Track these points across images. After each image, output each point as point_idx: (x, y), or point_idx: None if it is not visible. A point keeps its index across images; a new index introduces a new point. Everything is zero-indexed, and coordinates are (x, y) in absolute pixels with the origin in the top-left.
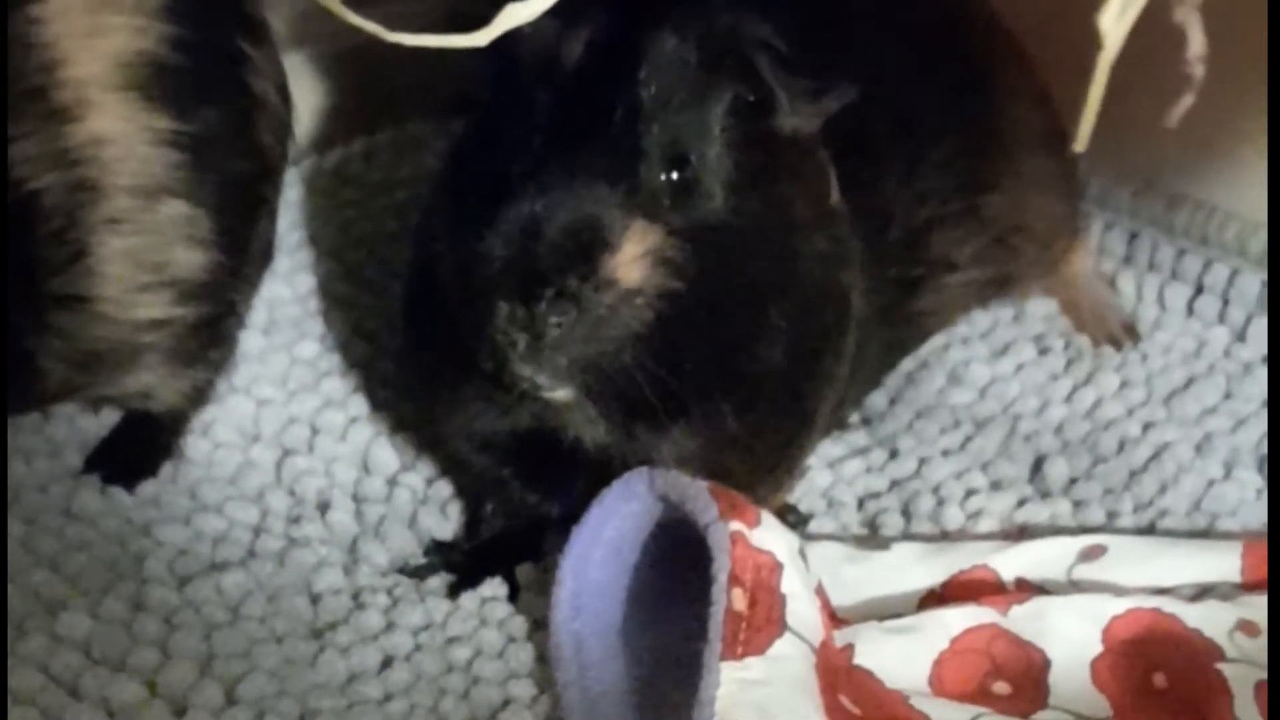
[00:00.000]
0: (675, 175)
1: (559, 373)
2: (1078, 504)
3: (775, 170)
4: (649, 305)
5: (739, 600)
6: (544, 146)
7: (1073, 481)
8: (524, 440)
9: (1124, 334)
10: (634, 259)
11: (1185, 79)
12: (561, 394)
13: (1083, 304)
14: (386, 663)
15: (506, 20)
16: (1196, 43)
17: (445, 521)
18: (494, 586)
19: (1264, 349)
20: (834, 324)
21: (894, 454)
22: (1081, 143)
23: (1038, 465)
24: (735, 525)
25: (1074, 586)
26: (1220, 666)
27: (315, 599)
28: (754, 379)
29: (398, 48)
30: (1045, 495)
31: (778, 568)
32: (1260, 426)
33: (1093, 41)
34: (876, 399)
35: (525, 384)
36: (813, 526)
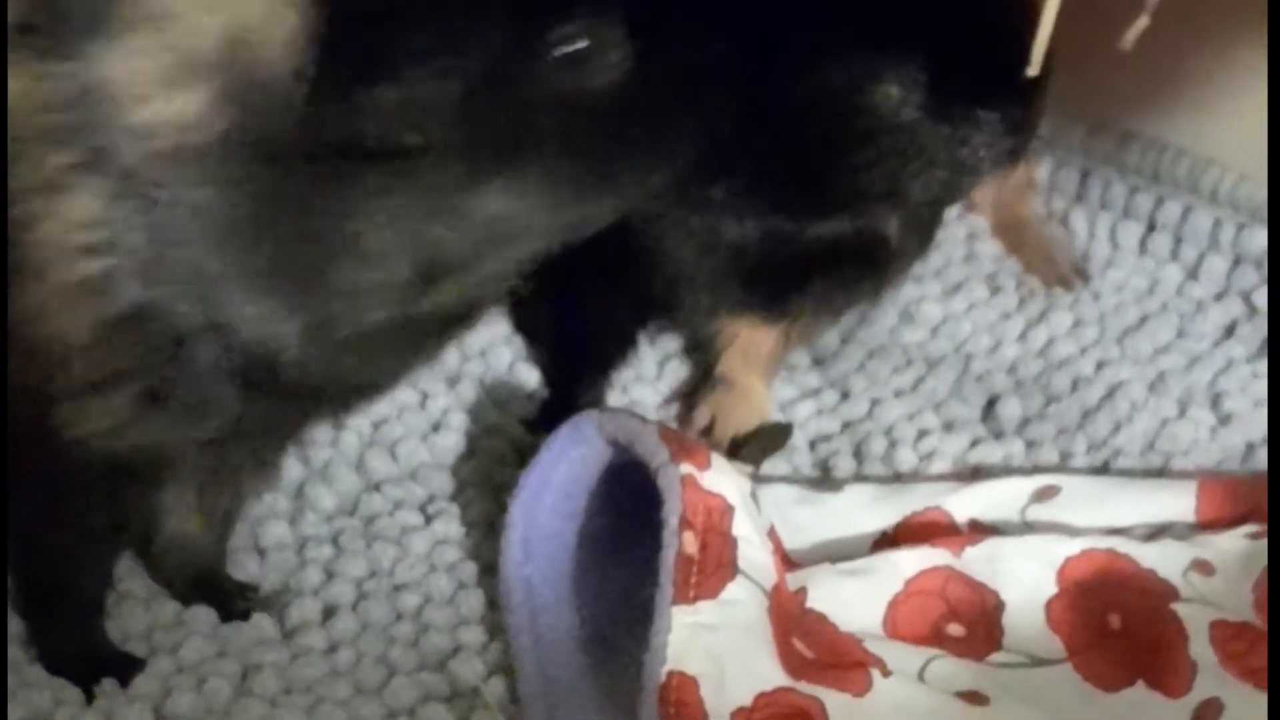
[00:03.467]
0: None
1: None
2: (1031, 444)
3: None
4: None
5: (690, 544)
6: None
7: (1026, 421)
8: None
9: (1074, 275)
10: None
11: (1138, 2)
12: None
13: (1030, 246)
14: (329, 612)
15: None
16: None
17: (394, 464)
18: (446, 524)
19: (1217, 287)
20: None
21: (845, 395)
22: (1035, 66)
23: (990, 405)
24: (686, 468)
25: (1028, 528)
26: (1175, 606)
27: (262, 554)
28: None
29: None
30: (998, 436)
31: (729, 510)
32: (1214, 365)
33: None
34: (829, 339)
35: None
36: (764, 469)
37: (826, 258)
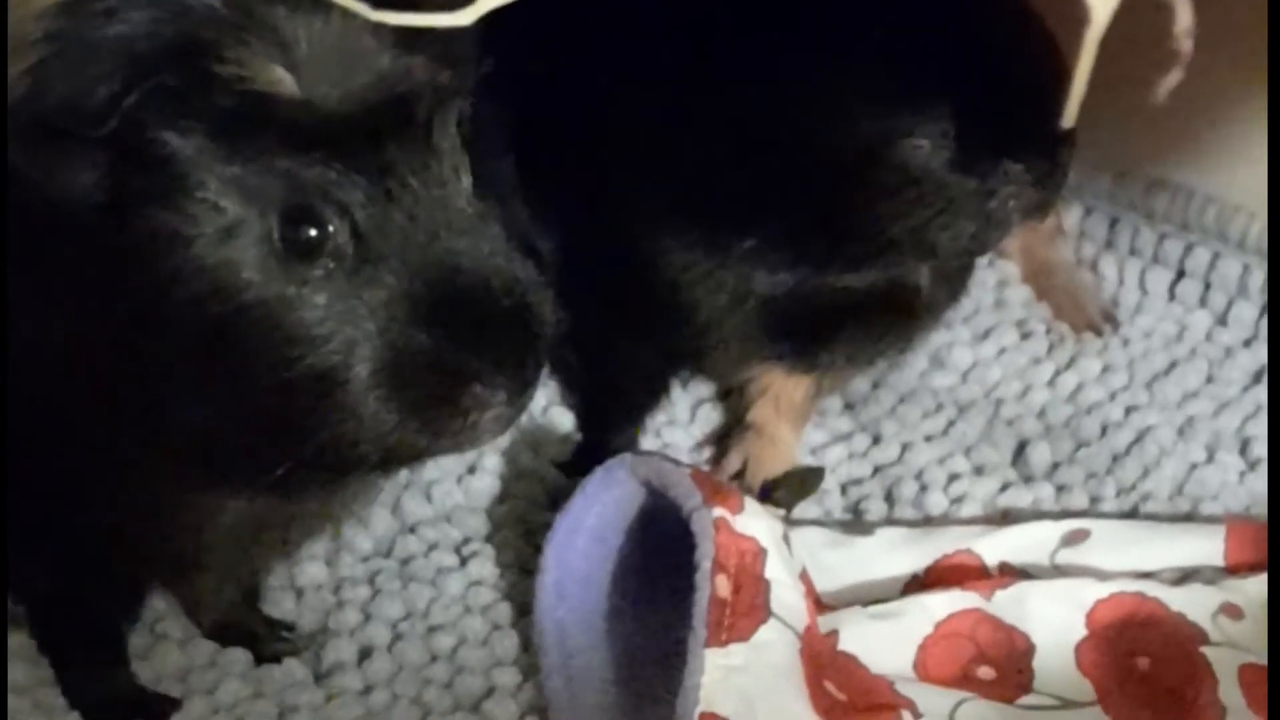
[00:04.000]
0: None
1: None
2: (1060, 488)
3: None
4: None
5: (723, 587)
6: None
7: (1055, 466)
8: None
9: (1103, 321)
10: None
11: (1172, 55)
12: None
13: (1060, 292)
14: (365, 653)
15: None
16: (1184, 16)
17: (429, 506)
18: (481, 565)
19: (1246, 333)
20: None
21: (877, 439)
22: (1070, 118)
23: (1020, 450)
24: (718, 511)
25: (1057, 571)
26: (1203, 650)
27: (299, 594)
28: None
29: None
30: (1028, 480)
31: (761, 554)
32: (1242, 410)
33: (1080, 17)
34: (860, 383)
35: None
36: (796, 512)
37: (857, 309)
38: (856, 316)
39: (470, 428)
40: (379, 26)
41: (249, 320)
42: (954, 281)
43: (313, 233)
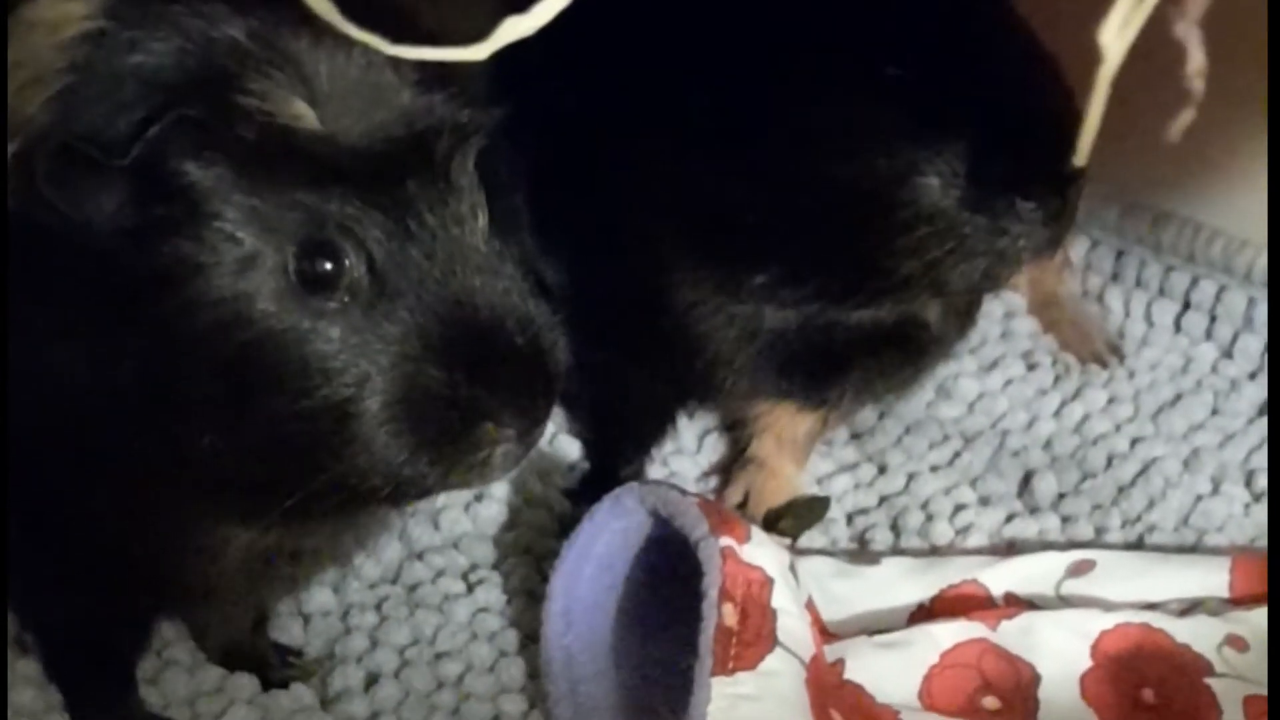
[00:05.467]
0: None
1: None
2: (1066, 519)
3: None
4: None
5: (730, 615)
6: None
7: (1061, 497)
8: None
9: (1108, 353)
10: None
11: (1184, 94)
12: None
13: (1066, 323)
14: (372, 679)
15: (507, 33)
16: (1196, 57)
17: (436, 532)
18: (488, 592)
19: (1251, 365)
20: None
21: (883, 469)
22: (1083, 156)
23: (1026, 480)
24: (725, 540)
25: (1063, 601)
26: (1209, 681)
27: (307, 620)
28: None
29: None
30: (1034, 511)
31: (768, 583)
32: (1248, 442)
33: (1092, 56)
34: (866, 413)
35: None
36: (803, 541)
37: (866, 345)
38: (865, 352)
39: (481, 464)
40: (400, 63)
41: (263, 351)
42: (963, 317)
43: (329, 266)
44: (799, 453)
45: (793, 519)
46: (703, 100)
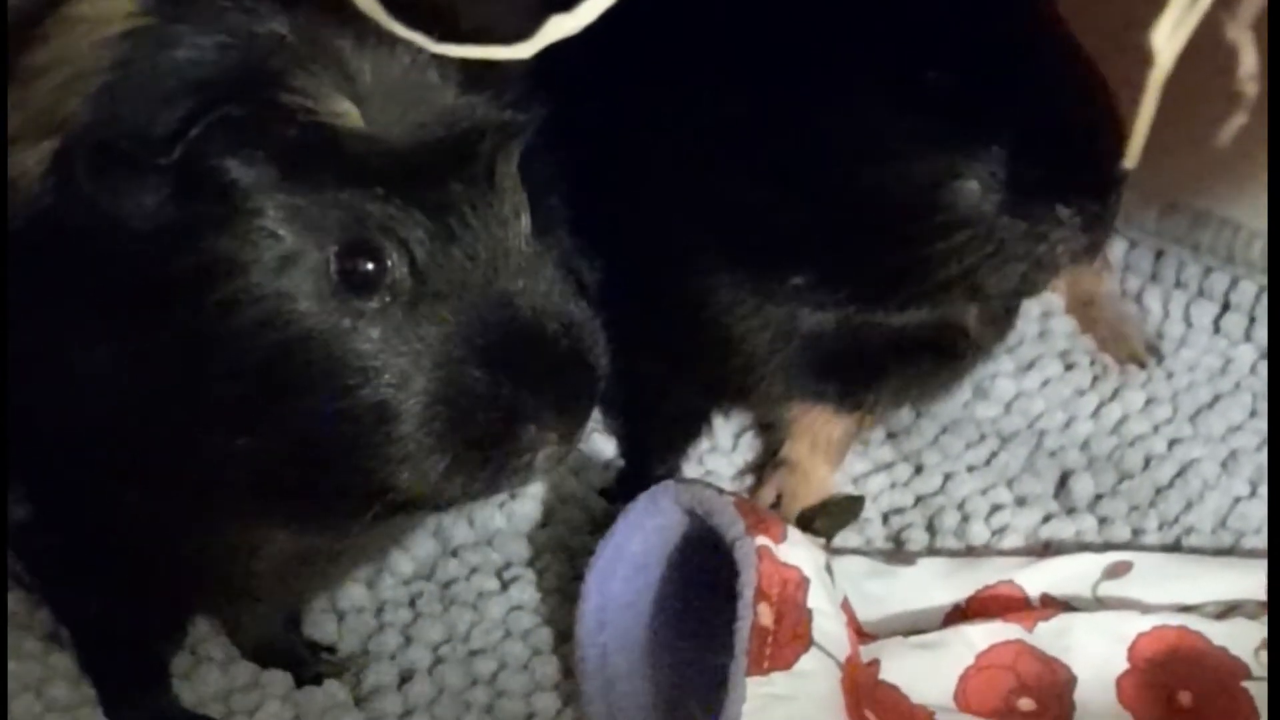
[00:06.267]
0: None
1: None
2: (1103, 520)
3: None
4: None
5: (765, 615)
6: None
7: (1098, 498)
8: None
9: (1147, 353)
10: None
11: (1234, 97)
12: None
13: (1104, 324)
14: (406, 677)
15: (552, 32)
16: (1249, 61)
17: (471, 530)
18: (523, 589)
19: None
20: None
21: (919, 469)
22: (1132, 159)
23: (1063, 481)
24: (761, 540)
25: (1099, 603)
26: (1246, 685)
27: (340, 616)
28: None
29: None
30: (1070, 511)
31: (804, 583)
32: None
33: (1142, 59)
34: (902, 413)
35: None
36: (838, 541)
37: (903, 349)
38: (902, 356)
39: (524, 466)
40: (444, 63)
41: (303, 350)
42: (1000, 322)
43: (370, 266)
44: (833, 455)
45: (826, 519)
46: (741, 102)
